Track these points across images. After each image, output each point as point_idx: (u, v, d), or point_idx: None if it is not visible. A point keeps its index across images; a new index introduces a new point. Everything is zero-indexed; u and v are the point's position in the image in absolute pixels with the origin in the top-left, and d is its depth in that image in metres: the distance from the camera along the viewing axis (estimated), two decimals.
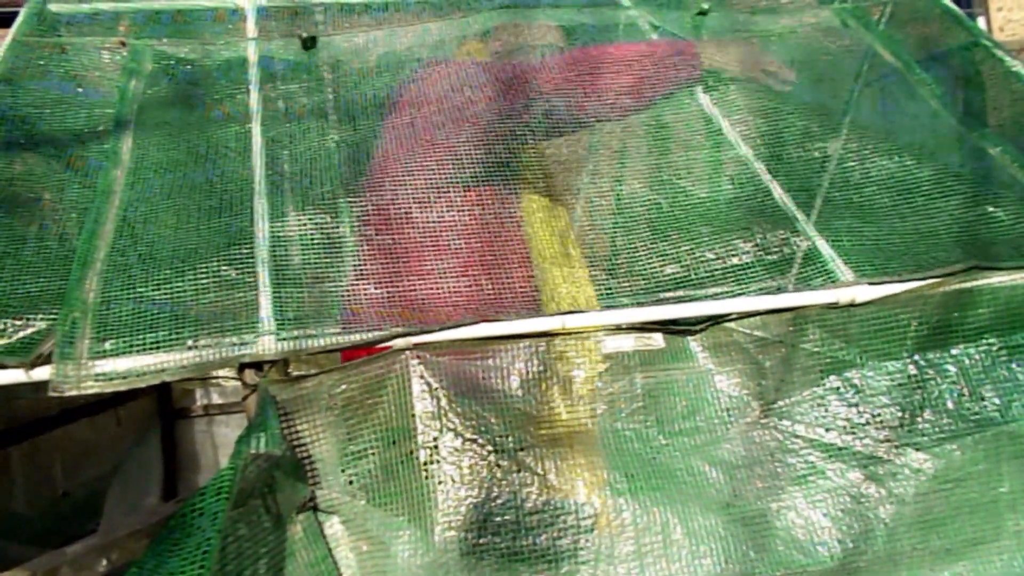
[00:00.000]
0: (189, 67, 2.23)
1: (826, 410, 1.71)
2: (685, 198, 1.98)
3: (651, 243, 1.89)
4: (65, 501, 2.55)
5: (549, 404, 1.66)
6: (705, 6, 2.39)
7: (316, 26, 2.27)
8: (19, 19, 2.24)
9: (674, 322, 1.72)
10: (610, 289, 1.82)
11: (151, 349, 1.56)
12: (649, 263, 1.85)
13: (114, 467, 2.72)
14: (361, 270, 1.77)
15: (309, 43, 2.20)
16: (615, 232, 1.94)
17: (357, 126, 2.04)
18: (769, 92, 2.17)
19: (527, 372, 1.65)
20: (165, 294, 1.66)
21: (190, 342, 1.58)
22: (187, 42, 2.27)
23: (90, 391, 1.51)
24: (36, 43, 2.20)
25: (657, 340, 1.70)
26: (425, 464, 1.60)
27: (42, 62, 2.19)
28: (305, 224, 1.81)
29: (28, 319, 1.65)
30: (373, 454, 1.61)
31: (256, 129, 2.00)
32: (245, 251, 1.74)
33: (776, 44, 2.40)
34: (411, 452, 1.61)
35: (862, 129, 2.11)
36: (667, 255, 1.87)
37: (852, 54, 2.41)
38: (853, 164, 2.04)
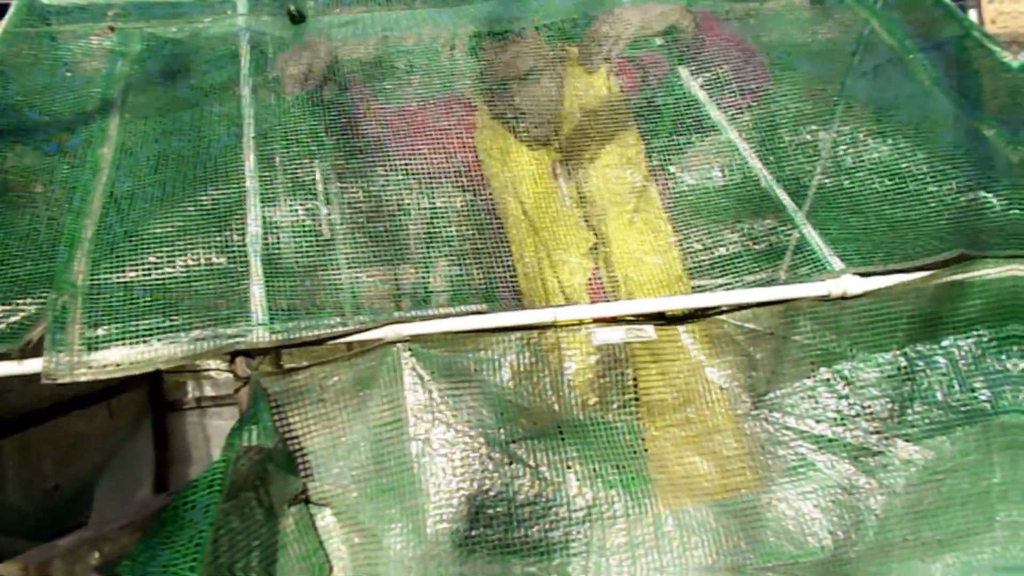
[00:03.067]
0: (178, 45, 2.23)
1: (817, 402, 1.71)
2: (675, 185, 1.98)
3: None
4: (57, 493, 2.54)
5: (541, 396, 1.66)
6: None
7: (307, 10, 2.27)
8: (10, 11, 2.26)
9: (663, 314, 1.72)
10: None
11: (143, 337, 1.56)
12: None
13: (105, 459, 2.71)
14: None
15: (298, 18, 2.20)
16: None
17: (344, 98, 2.04)
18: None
19: (519, 364, 1.65)
20: (155, 276, 1.66)
21: (183, 331, 1.58)
22: (175, 21, 2.27)
23: (83, 379, 1.51)
24: (26, 33, 2.21)
25: (648, 332, 1.70)
26: (417, 456, 1.60)
27: (32, 51, 2.20)
28: (297, 211, 1.81)
29: (17, 304, 1.65)
30: (365, 446, 1.61)
31: (245, 103, 1.99)
32: (237, 239, 1.74)
33: (773, 20, 2.39)
34: (403, 444, 1.61)
35: (856, 111, 2.10)
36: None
37: (849, 29, 2.39)
38: (846, 148, 2.03)
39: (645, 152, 2.03)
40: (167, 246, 1.71)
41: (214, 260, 1.70)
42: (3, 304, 1.65)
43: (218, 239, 1.74)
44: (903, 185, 1.96)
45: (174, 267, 1.68)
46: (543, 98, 2.08)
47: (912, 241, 1.82)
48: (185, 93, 2.07)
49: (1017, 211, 1.88)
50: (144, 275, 1.67)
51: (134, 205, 1.80)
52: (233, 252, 1.72)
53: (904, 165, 1.99)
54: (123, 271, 1.67)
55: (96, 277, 1.65)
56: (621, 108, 2.09)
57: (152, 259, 1.69)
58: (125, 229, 1.74)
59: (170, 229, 1.74)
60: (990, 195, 1.92)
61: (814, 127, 2.06)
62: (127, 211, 1.78)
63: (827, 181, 1.96)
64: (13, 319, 1.63)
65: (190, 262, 1.69)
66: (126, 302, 1.62)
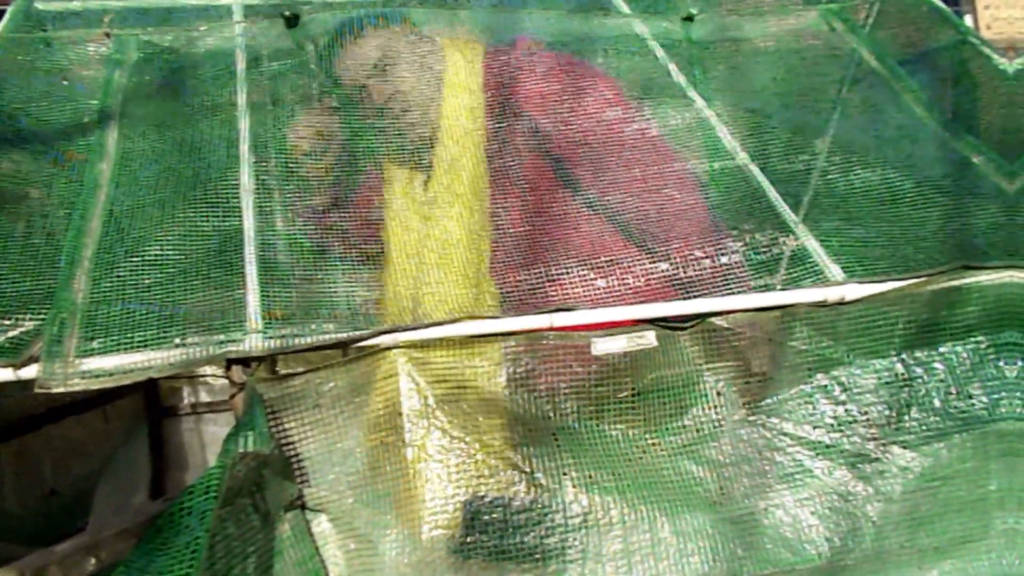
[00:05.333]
0: (174, 55, 2.21)
1: (814, 408, 1.71)
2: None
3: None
4: (54, 499, 2.55)
5: (536, 402, 1.66)
6: (693, 11, 2.37)
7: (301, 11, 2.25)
8: (6, 17, 2.25)
9: (664, 320, 1.71)
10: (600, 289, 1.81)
11: (138, 347, 1.56)
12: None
13: (102, 465, 2.71)
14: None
15: (292, 21, 2.19)
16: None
17: (342, 101, 2.03)
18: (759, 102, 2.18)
19: (514, 370, 1.65)
20: (154, 294, 1.66)
21: (177, 339, 1.58)
22: (172, 30, 2.27)
23: (77, 388, 1.51)
24: (22, 39, 2.20)
25: (650, 339, 1.70)
26: (412, 462, 1.60)
27: (28, 57, 2.19)
28: (292, 227, 1.81)
29: (17, 319, 1.64)
30: (360, 452, 1.60)
31: (243, 115, 1.99)
32: (233, 247, 1.74)
33: (762, 52, 2.39)
34: (398, 450, 1.61)
35: (847, 141, 2.11)
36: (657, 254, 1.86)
37: (838, 60, 2.40)
38: (837, 176, 2.04)
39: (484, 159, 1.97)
40: (167, 265, 1.71)
41: (212, 275, 1.70)
42: (3, 319, 1.63)
43: (216, 255, 1.73)
44: (897, 208, 1.97)
45: (172, 283, 1.68)
46: (410, 105, 1.97)
47: (912, 255, 1.82)
48: (183, 109, 2.06)
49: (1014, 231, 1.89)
50: (143, 291, 1.66)
51: (134, 224, 1.79)
52: (230, 265, 1.71)
53: (898, 191, 2.00)
54: (123, 289, 1.66)
55: (96, 295, 1.65)
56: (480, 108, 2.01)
57: (151, 277, 1.69)
58: (125, 248, 1.74)
59: (169, 249, 1.74)
60: (981, 220, 1.93)
61: (807, 155, 2.06)
62: (127, 230, 1.78)
63: (825, 199, 1.96)
64: (12, 334, 1.62)
65: (188, 278, 1.69)
66: (124, 316, 1.61)
